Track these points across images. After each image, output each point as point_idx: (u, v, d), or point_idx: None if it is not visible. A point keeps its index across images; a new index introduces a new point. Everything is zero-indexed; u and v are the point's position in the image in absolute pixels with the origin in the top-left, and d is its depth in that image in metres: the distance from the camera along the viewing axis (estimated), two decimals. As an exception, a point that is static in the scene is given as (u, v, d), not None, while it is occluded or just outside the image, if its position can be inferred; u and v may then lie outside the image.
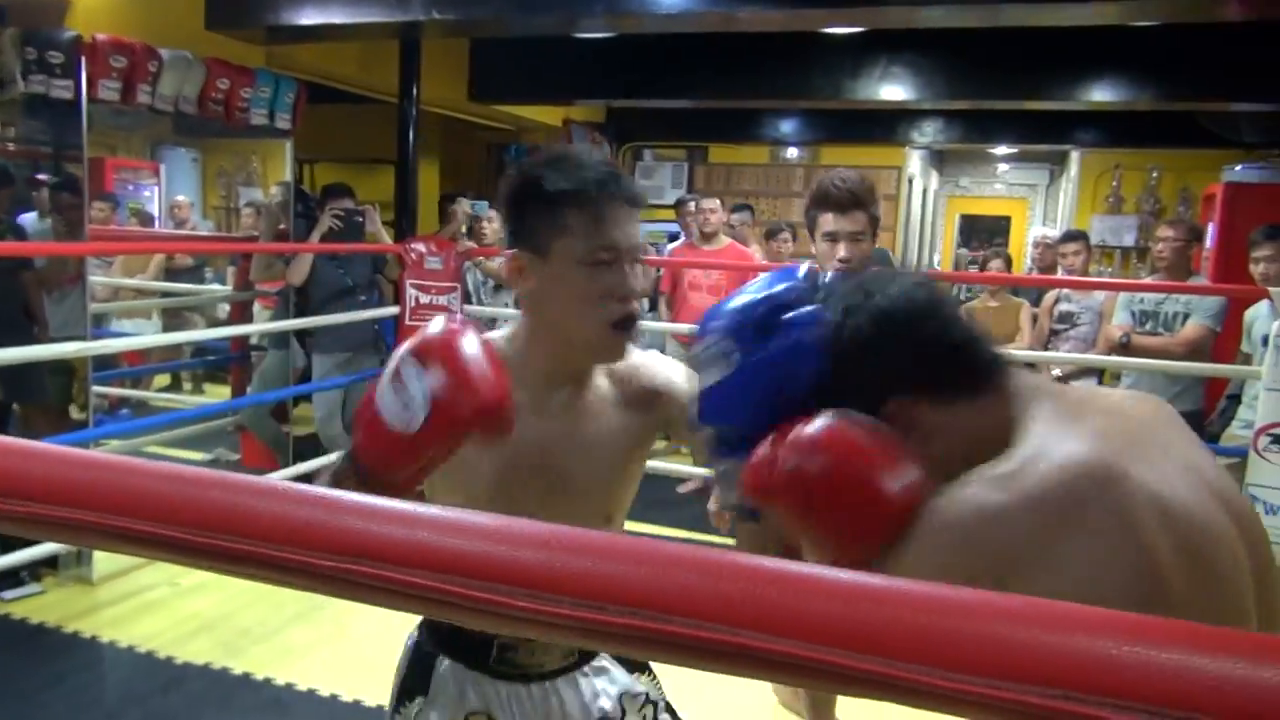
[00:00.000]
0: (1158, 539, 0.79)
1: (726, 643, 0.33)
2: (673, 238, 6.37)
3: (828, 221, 2.20)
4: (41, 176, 4.35)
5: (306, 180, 8.18)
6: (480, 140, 8.07)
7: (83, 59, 3.78)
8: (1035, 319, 4.92)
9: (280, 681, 2.94)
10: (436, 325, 0.98)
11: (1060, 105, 6.28)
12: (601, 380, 1.31)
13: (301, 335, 4.67)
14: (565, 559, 0.35)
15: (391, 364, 0.97)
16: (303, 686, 2.92)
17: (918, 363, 0.94)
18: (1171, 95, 5.75)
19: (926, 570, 0.80)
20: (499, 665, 1.33)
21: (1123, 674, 0.31)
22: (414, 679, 1.38)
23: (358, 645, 3.19)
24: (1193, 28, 4.89)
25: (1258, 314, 3.67)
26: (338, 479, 0.99)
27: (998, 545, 0.80)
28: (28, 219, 4.36)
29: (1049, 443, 0.85)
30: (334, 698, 2.86)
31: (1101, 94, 5.81)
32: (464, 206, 5.23)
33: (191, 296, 5.56)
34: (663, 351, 2.41)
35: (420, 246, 4.73)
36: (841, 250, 2.19)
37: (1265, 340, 3.33)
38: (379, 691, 2.84)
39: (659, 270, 5.73)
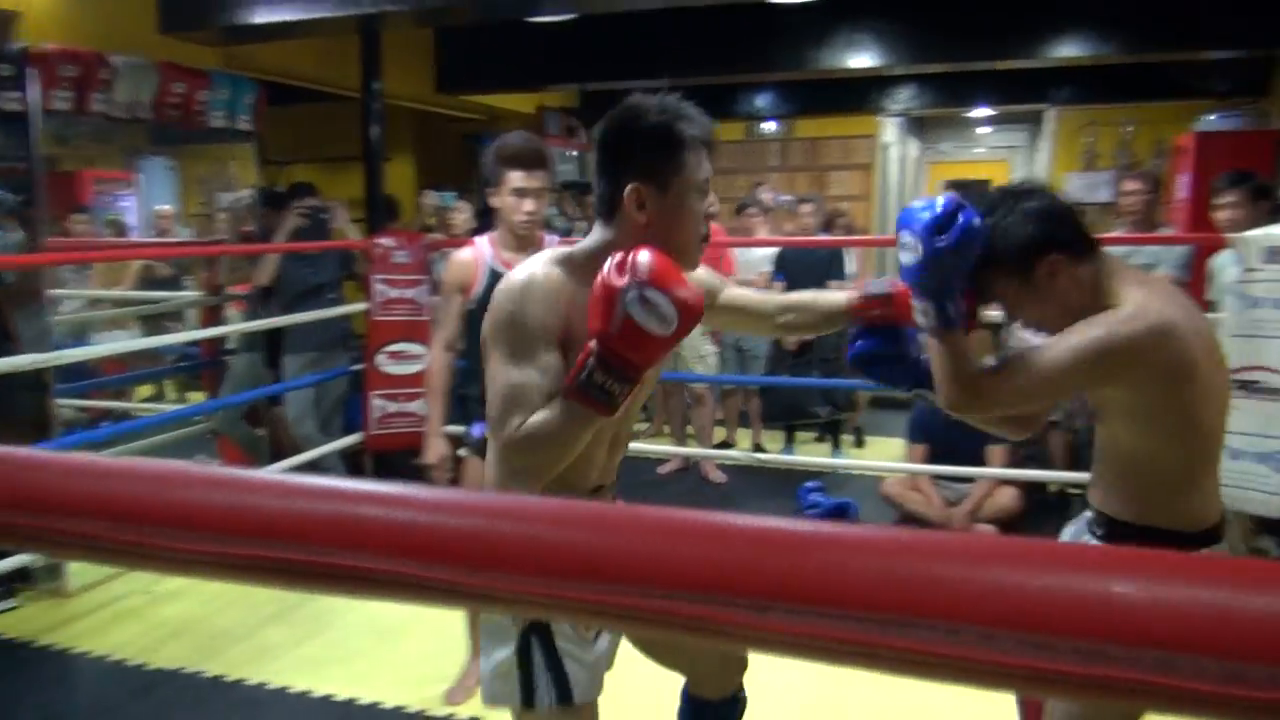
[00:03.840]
0: (1209, 349, 1.44)
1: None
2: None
3: (518, 179, 2.46)
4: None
5: (284, 183, 8.14)
6: (454, 132, 8.02)
7: (32, 70, 3.75)
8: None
9: (253, 681, 2.94)
10: (646, 255, 1.28)
11: (1031, 63, 6.22)
12: None
13: (270, 337, 4.60)
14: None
15: (629, 292, 1.25)
16: (275, 685, 2.91)
17: (1060, 228, 1.45)
18: (1141, 46, 5.69)
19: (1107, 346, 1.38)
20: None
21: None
22: None
23: (334, 642, 3.19)
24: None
25: (1223, 262, 3.64)
26: (581, 388, 1.30)
27: (1146, 345, 1.37)
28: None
29: (1140, 294, 1.41)
30: (305, 694, 2.86)
31: (1072, 49, 5.75)
32: (430, 199, 5.21)
33: (166, 304, 5.55)
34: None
35: (387, 241, 4.70)
36: (529, 204, 2.47)
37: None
38: (350, 686, 2.85)
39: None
